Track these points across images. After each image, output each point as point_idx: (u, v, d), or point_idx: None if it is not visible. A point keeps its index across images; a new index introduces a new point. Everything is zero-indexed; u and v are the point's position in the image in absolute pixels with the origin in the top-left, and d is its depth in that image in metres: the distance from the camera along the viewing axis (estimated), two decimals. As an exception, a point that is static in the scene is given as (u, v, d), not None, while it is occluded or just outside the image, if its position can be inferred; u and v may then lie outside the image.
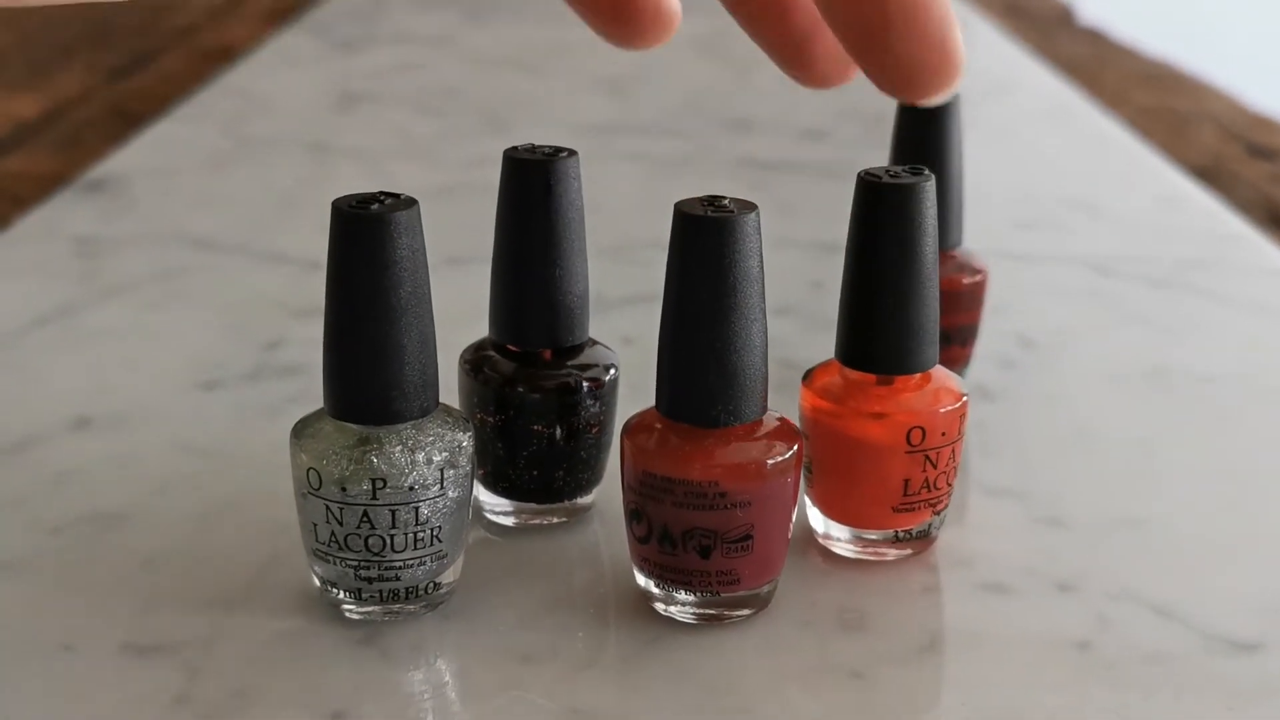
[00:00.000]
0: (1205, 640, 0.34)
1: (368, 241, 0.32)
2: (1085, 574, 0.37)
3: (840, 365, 0.37)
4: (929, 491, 0.36)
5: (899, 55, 0.29)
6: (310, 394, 0.41)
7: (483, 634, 0.34)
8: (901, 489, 0.36)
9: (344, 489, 0.33)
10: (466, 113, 0.82)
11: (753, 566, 0.34)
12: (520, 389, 0.37)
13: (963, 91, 0.46)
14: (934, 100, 0.31)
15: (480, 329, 0.39)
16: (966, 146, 0.45)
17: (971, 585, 0.37)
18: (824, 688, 0.33)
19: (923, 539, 0.37)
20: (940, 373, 0.37)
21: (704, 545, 0.33)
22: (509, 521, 0.39)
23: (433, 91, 0.86)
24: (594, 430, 0.38)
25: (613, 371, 0.38)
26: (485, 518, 0.39)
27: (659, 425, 0.34)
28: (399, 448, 0.33)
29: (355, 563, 0.33)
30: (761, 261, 0.33)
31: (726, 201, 0.33)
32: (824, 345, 0.38)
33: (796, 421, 0.36)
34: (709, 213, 0.32)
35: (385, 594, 0.34)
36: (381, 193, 0.33)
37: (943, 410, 0.36)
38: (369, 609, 0.34)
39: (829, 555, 0.38)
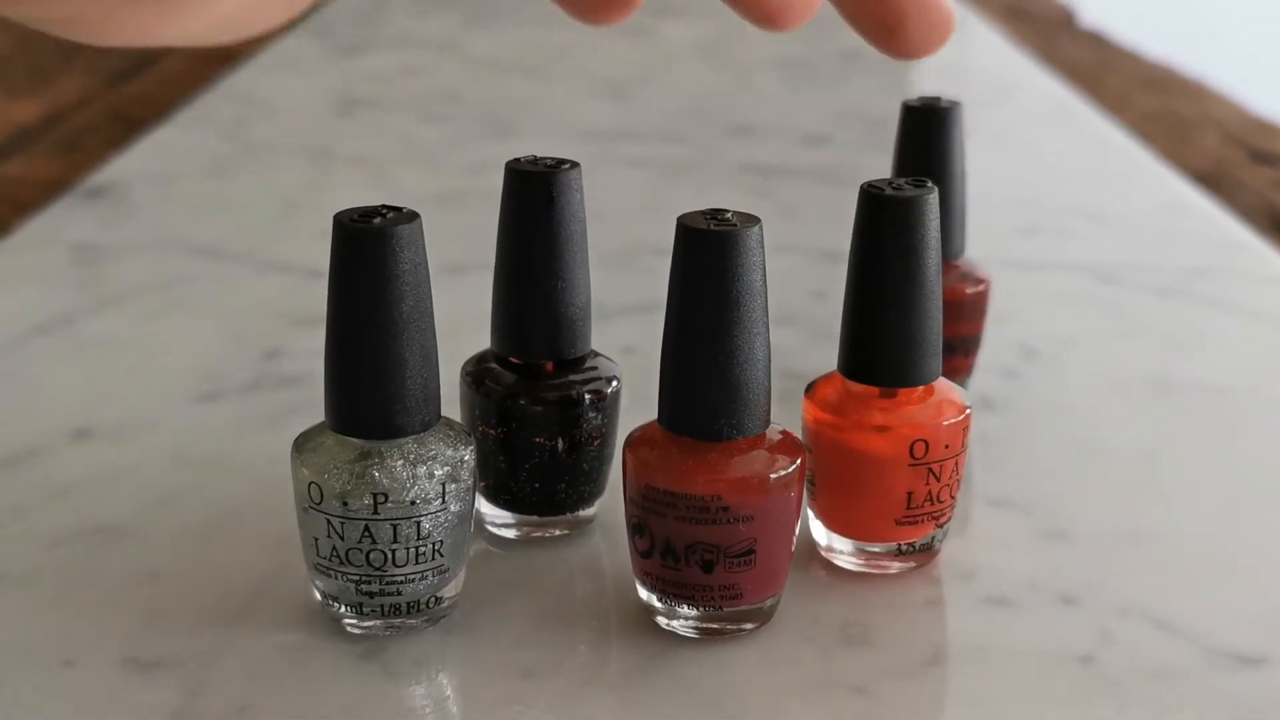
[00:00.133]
0: (1209, 655, 0.34)
1: (369, 255, 0.32)
2: (1089, 587, 0.37)
3: (843, 377, 0.37)
4: (932, 504, 0.36)
5: (912, 49, 0.33)
6: (311, 404, 0.41)
7: (485, 648, 0.34)
8: (904, 502, 0.36)
9: (345, 503, 0.32)
10: (468, 117, 0.82)
11: (755, 581, 0.34)
12: (522, 401, 0.37)
13: (964, 96, 0.46)
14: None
15: (482, 338, 0.38)
16: (968, 152, 0.45)
17: (974, 599, 0.37)
18: (827, 703, 0.33)
19: (926, 552, 0.37)
20: (943, 385, 0.37)
21: (707, 560, 0.33)
22: (511, 534, 0.38)
23: (435, 96, 0.86)
24: (596, 442, 0.37)
25: (615, 383, 0.38)
26: (487, 530, 0.39)
27: (661, 439, 0.34)
28: (400, 462, 0.33)
29: (356, 577, 0.33)
30: (764, 275, 0.33)
31: (729, 215, 0.33)
32: (827, 356, 0.38)
33: (799, 433, 0.36)
34: (712, 226, 0.32)
35: (387, 608, 0.34)
36: (383, 206, 0.33)
37: (946, 423, 0.36)
38: (370, 624, 0.34)
39: (832, 568, 0.37)
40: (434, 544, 0.33)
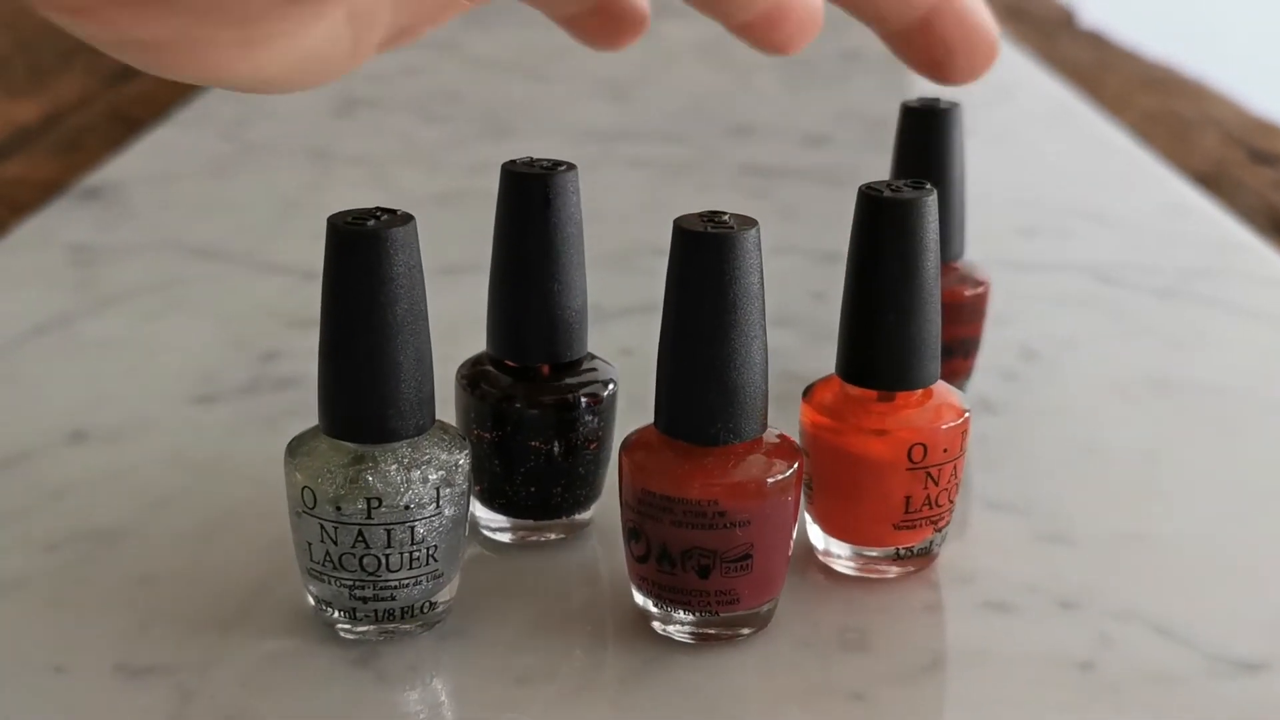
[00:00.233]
0: (1209, 660, 0.34)
1: (363, 258, 0.31)
2: (1088, 592, 0.37)
3: (841, 381, 0.36)
4: (930, 508, 0.36)
5: (964, 72, 0.35)
6: (308, 406, 0.41)
7: (479, 654, 0.34)
8: (903, 506, 0.36)
9: (339, 508, 0.32)
10: (468, 118, 0.82)
11: (752, 586, 0.33)
12: (518, 405, 0.36)
13: (964, 97, 0.45)
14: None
15: (481, 340, 0.38)
16: (967, 152, 0.44)
17: (973, 603, 0.36)
18: (824, 709, 0.32)
19: (924, 556, 0.37)
20: (942, 388, 0.36)
21: (703, 565, 0.33)
22: (506, 538, 0.38)
23: (435, 96, 0.86)
24: (592, 446, 0.37)
25: (611, 387, 0.38)
26: (482, 534, 0.38)
27: (657, 443, 0.33)
28: (394, 466, 0.32)
29: (350, 582, 0.33)
30: (762, 278, 0.32)
31: (726, 217, 0.33)
32: (825, 358, 0.38)
33: (796, 437, 0.36)
34: (709, 229, 0.32)
35: (380, 614, 0.33)
36: (378, 208, 0.32)
37: (944, 427, 0.36)
38: (364, 629, 0.34)
39: (830, 572, 0.37)
40: (428, 549, 0.33)
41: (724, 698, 0.33)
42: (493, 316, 0.37)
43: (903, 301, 0.35)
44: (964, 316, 0.45)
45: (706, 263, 0.32)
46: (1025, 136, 0.81)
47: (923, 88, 0.39)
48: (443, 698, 0.33)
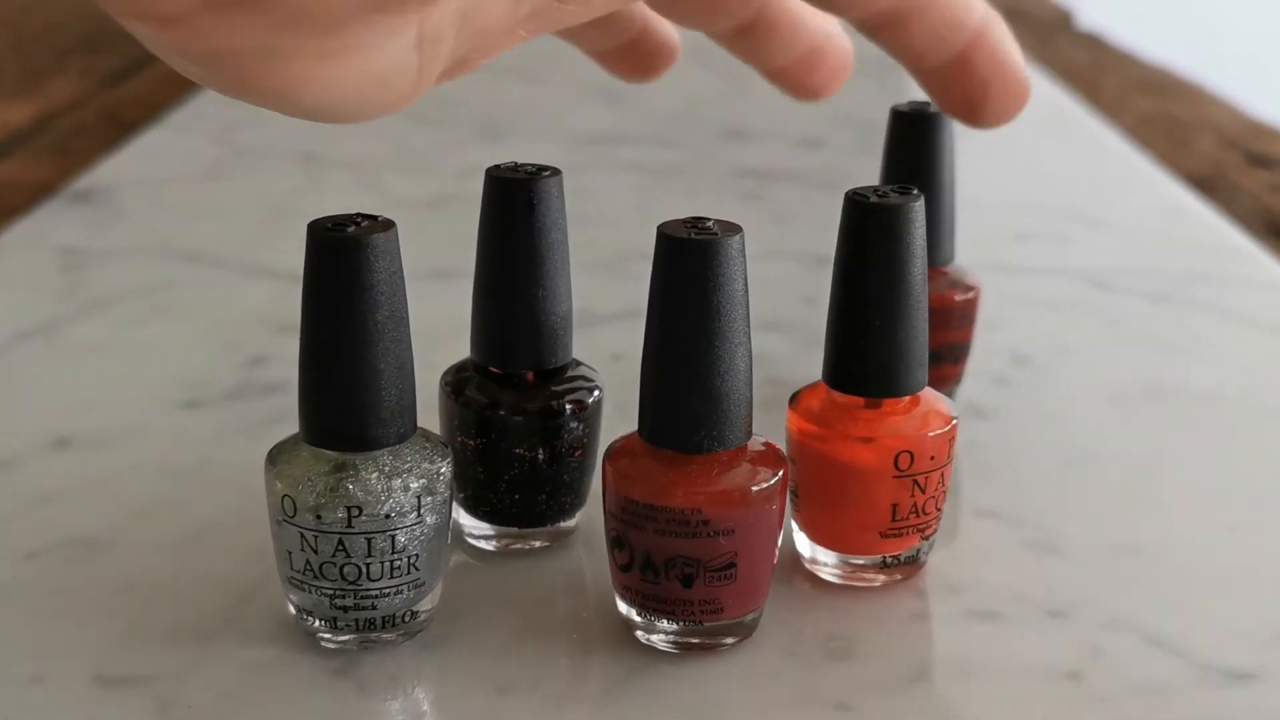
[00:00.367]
0: (1199, 671, 0.34)
1: (344, 265, 0.31)
2: (1078, 601, 0.36)
3: (827, 387, 0.36)
4: (917, 516, 0.36)
5: (997, 113, 0.36)
6: (293, 413, 0.40)
7: (461, 663, 0.34)
8: (889, 514, 0.35)
9: (319, 516, 0.32)
10: (461, 122, 0.81)
11: (736, 595, 0.33)
12: (502, 412, 0.36)
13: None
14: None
15: (467, 346, 0.38)
16: (962, 155, 0.44)
17: (961, 612, 0.36)
18: (808, 719, 0.32)
19: (911, 564, 0.37)
20: (929, 395, 0.36)
21: (686, 574, 0.33)
22: (490, 546, 0.38)
23: (427, 100, 0.85)
24: (577, 453, 0.37)
25: (596, 393, 0.37)
26: (466, 542, 0.38)
27: (641, 451, 0.33)
28: (375, 474, 0.32)
29: (331, 591, 0.33)
30: (746, 284, 0.32)
31: (710, 223, 0.32)
32: (816, 363, 0.37)
33: (784, 444, 0.36)
34: (692, 235, 0.32)
35: (361, 623, 0.33)
36: (359, 214, 0.32)
37: (931, 434, 0.35)
38: (345, 638, 0.33)
39: (816, 581, 0.37)
40: (409, 557, 0.33)
41: (707, 708, 0.32)
42: (477, 323, 0.37)
43: (889, 308, 0.35)
44: (954, 322, 0.44)
45: (690, 269, 0.32)
46: (1020, 139, 0.80)
47: (917, 93, 0.39)
48: (424, 707, 0.33)
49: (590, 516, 0.38)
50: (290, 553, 0.33)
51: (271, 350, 0.50)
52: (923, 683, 0.34)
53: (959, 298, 0.44)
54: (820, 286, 0.36)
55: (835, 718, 0.32)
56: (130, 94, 0.87)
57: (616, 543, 0.33)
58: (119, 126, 0.80)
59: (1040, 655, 0.34)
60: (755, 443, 0.34)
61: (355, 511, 0.32)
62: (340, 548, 0.32)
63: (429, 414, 0.37)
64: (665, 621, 0.33)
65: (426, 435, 0.34)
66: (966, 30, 0.35)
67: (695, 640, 0.34)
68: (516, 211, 0.36)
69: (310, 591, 0.33)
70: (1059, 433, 0.45)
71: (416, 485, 0.32)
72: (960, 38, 0.35)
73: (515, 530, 0.38)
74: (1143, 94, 0.91)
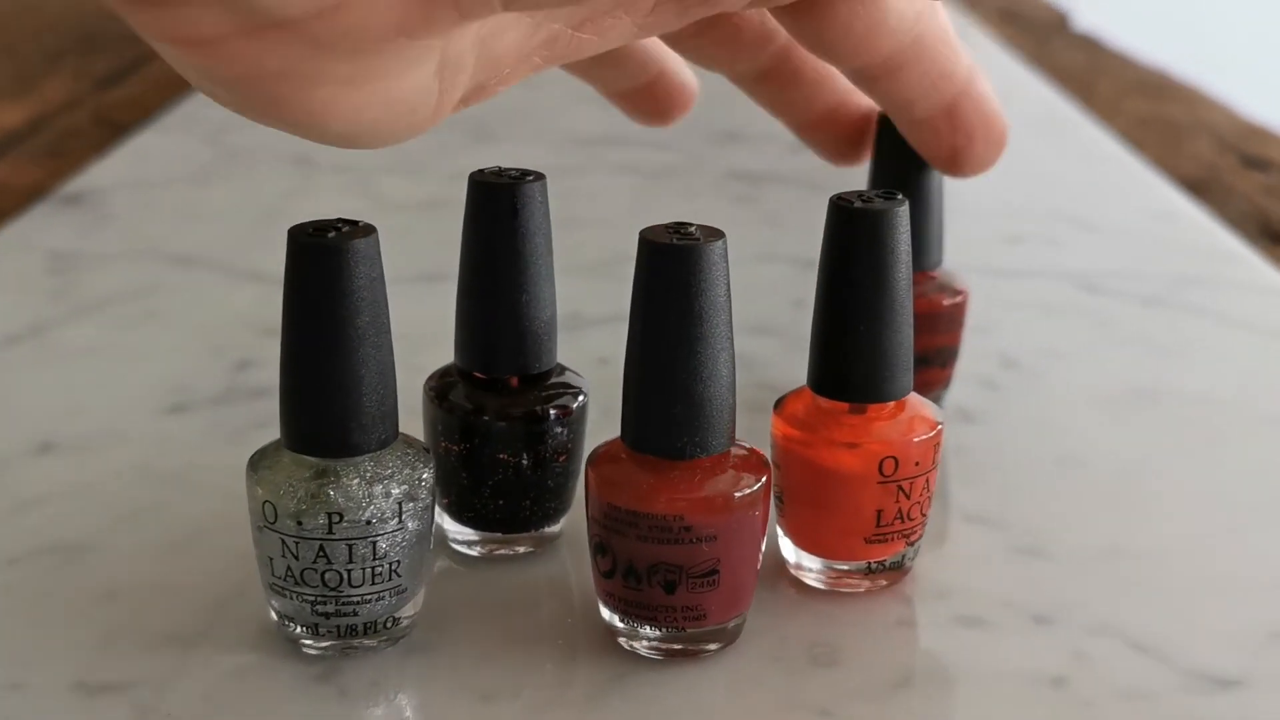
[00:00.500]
0: (1184, 676, 0.34)
1: (324, 270, 0.31)
2: (1064, 606, 0.36)
3: (812, 393, 0.36)
4: (902, 522, 0.36)
5: (980, 161, 0.39)
6: (278, 418, 0.41)
7: (444, 670, 0.33)
8: (874, 520, 0.35)
9: (300, 523, 0.32)
10: (454, 124, 0.81)
11: (719, 601, 0.33)
12: (486, 417, 0.36)
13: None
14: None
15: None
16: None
17: (946, 618, 0.36)
18: (791, 727, 0.32)
19: (896, 570, 0.37)
20: (914, 400, 0.36)
21: (669, 580, 0.33)
22: (475, 551, 0.38)
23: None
24: (561, 459, 0.37)
25: (581, 399, 0.37)
26: (450, 547, 0.38)
27: (624, 457, 0.33)
28: (356, 481, 0.32)
29: (312, 597, 0.33)
30: (729, 290, 0.32)
31: (693, 228, 0.32)
32: (804, 367, 0.37)
33: (769, 449, 0.36)
34: (674, 241, 0.32)
35: (343, 629, 0.33)
36: (340, 219, 0.32)
37: (916, 440, 0.35)
38: (326, 644, 0.33)
39: (800, 586, 0.37)
40: (390, 564, 0.33)
41: (691, 714, 0.32)
42: (460, 328, 0.37)
43: (874, 313, 0.35)
44: (941, 326, 0.44)
45: (672, 275, 0.32)
46: (1014, 142, 0.80)
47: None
48: (407, 714, 0.33)
49: (575, 522, 0.38)
50: (271, 559, 0.33)
51: (258, 354, 0.50)
52: (907, 689, 0.33)
53: (947, 302, 0.44)
54: (810, 290, 0.36)
55: (818, 725, 0.32)
56: (124, 97, 0.87)
57: (599, 549, 0.33)
58: (112, 129, 0.80)
59: (1025, 661, 0.34)
60: (738, 449, 0.33)
61: (336, 518, 0.32)
62: (321, 554, 0.32)
63: (416, 418, 0.37)
64: (648, 628, 0.33)
65: (408, 441, 0.33)
66: (957, 80, 0.36)
67: (678, 647, 0.33)
68: (500, 216, 0.35)
69: (291, 598, 0.33)
70: (1047, 437, 0.45)
71: (398, 491, 0.32)
72: (951, 87, 0.37)
73: (499, 536, 0.37)
74: (1138, 96, 0.91)
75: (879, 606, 0.36)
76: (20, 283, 0.56)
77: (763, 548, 0.34)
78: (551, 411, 0.36)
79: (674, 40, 0.37)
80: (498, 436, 0.36)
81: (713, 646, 0.34)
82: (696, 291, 0.32)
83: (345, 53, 0.26)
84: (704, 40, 0.37)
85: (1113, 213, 0.68)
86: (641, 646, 0.34)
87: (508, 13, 0.26)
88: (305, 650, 0.34)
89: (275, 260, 0.57)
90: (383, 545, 0.32)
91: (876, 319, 0.35)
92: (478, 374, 0.37)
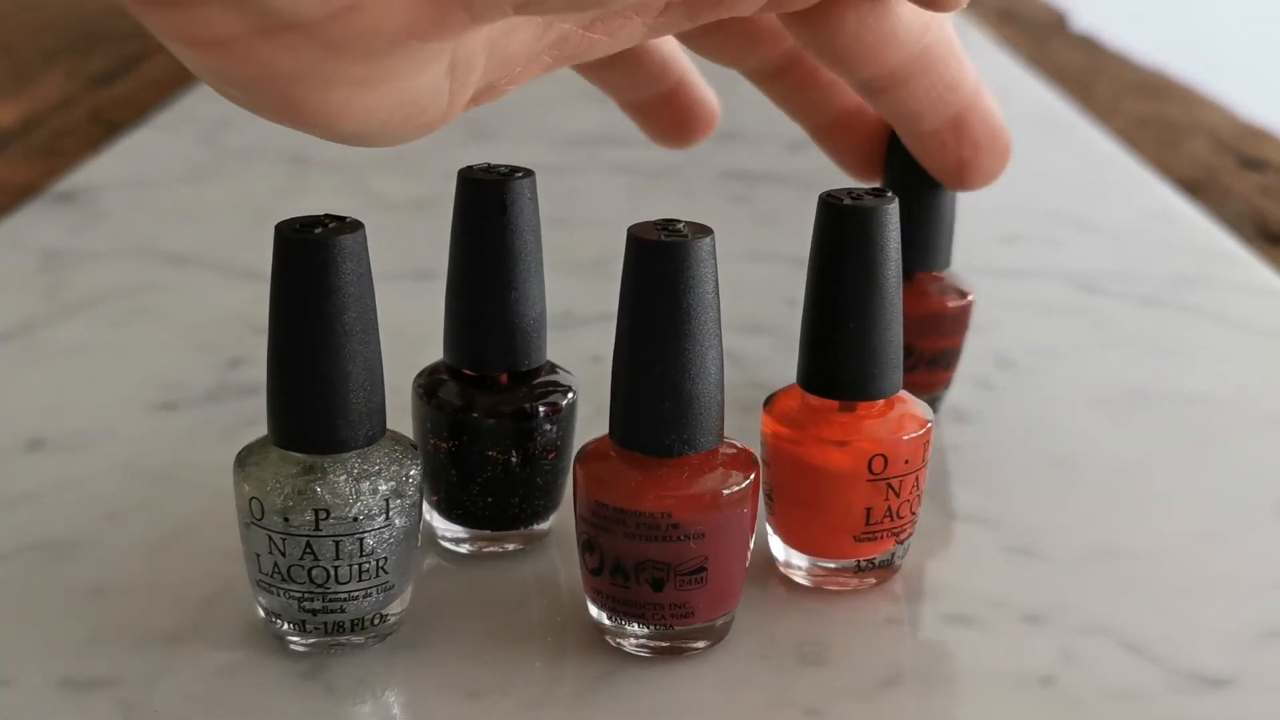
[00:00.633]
0: (1174, 676, 0.33)
1: (310, 266, 0.31)
2: (1054, 606, 0.36)
3: (802, 390, 0.36)
4: (892, 520, 0.35)
5: (986, 174, 0.39)
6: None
7: (431, 667, 0.33)
8: (863, 518, 0.35)
9: (286, 519, 0.32)
10: (452, 123, 0.81)
11: (707, 599, 0.33)
12: (475, 415, 0.36)
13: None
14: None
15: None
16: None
17: (936, 617, 0.36)
18: (779, 725, 0.32)
19: (886, 568, 0.36)
20: (904, 398, 0.36)
21: (657, 578, 0.32)
22: (464, 549, 0.38)
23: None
24: (551, 456, 0.37)
25: (570, 396, 0.37)
26: (439, 544, 0.38)
27: (612, 454, 0.33)
28: (344, 477, 0.32)
29: (299, 594, 0.32)
30: (717, 287, 0.32)
31: (681, 225, 0.32)
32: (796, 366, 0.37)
33: (759, 447, 0.36)
34: (662, 237, 0.31)
35: (330, 626, 0.33)
36: (327, 215, 0.32)
37: (906, 437, 0.35)
38: (313, 641, 0.33)
39: (790, 584, 0.37)
40: (377, 560, 0.32)
41: (680, 712, 0.32)
42: (450, 325, 0.37)
43: (863, 311, 0.34)
44: (948, 328, 0.44)
45: (660, 272, 0.31)
46: (1014, 143, 0.80)
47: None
48: (394, 711, 0.33)
49: (564, 519, 0.38)
50: (258, 555, 0.32)
51: (250, 352, 0.50)
52: (896, 688, 0.33)
53: (951, 304, 0.44)
54: (804, 289, 0.36)
55: (806, 723, 0.32)
56: (118, 95, 0.87)
57: (587, 546, 0.33)
58: (105, 128, 0.80)
59: (1014, 661, 0.34)
60: (726, 446, 0.33)
61: (323, 514, 0.32)
62: (308, 551, 0.32)
63: (406, 416, 0.37)
64: (636, 625, 0.33)
65: (396, 438, 0.33)
66: (963, 93, 0.36)
67: (666, 644, 0.33)
68: (488, 213, 0.35)
69: (278, 594, 0.33)
70: (1041, 437, 0.45)
71: (385, 488, 0.32)
72: (957, 100, 0.37)
73: (488, 533, 0.37)
74: (1136, 96, 0.91)
75: (868, 605, 0.36)
76: (11, 281, 0.56)
77: (751, 545, 0.34)
78: (541, 409, 0.36)
79: (687, 36, 0.37)
80: (487, 434, 0.36)
81: (701, 644, 0.34)
82: (684, 288, 0.31)
83: (358, 54, 0.26)
84: (716, 36, 0.37)
85: (1110, 213, 0.67)
86: (629, 644, 0.34)
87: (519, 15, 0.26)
88: (292, 647, 0.33)
89: (267, 258, 0.57)
90: (370, 542, 0.32)
91: (866, 317, 0.35)
92: (467, 371, 0.36)
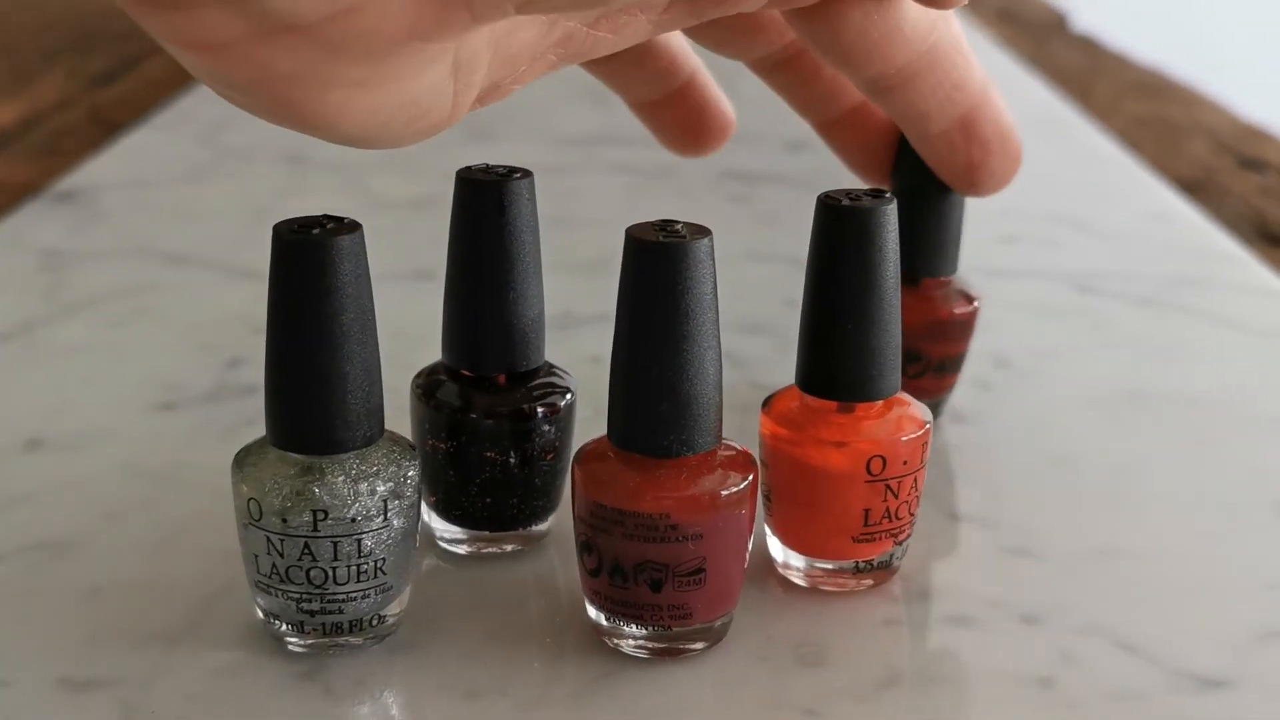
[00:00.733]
0: (1172, 677, 0.33)
1: (308, 267, 0.31)
2: (1052, 607, 0.36)
3: (800, 392, 0.36)
4: (890, 521, 0.36)
5: (997, 177, 0.39)
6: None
7: (430, 668, 0.33)
8: (862, 519, 0.35)
9: (284, 520, 0.32)
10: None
11: (705, 600, 0.33)
12: (473, 415, 0.36)
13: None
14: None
15: (444, 348, 0.38)
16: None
17: (934, 618, 0.36)
18: (777, 726, 0.32)
19: (884, 569, 0.36)
20: (903, 400, 0.36)
21: (655, 579, 0.32)
22: (462, 550, 0.38)
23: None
24: (549, 457, 0.37)
25: (569, 396, 0.37)
26: (438, 545, 0.38)
27: (610, 455, 0.33)
28: (341, 478, 0.32)
29: (297, 595, 0.32)
30: (715, 287, 0.32)
31: (679, 226, 0.32)
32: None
33: (758, 448, 0.36)
34: (660, 238, 0.31)
35: (328, 627, 0.33)
36: (325, 216, 0.32)
37: (904, 439, 0.35)
38: (312, 642, 0.33)
39: (788, 585, 0.37)
40: (375, 561, 0.32)
41: (678, 713, 0.32)
42: (448, 325, 0.37)
43: (861, 312, 0.34)
44: (955, 333, 0.44)
45: (658, 272, 0.31)
46: (1023, 146, 0.80)
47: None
48: (392, 712, 0.33)
49: (563, 520, 0.38)
50: (256, 556, 0.32)
51: (249, 352, 0.50)
52: (894, 689, 0.33)
53: (959, 310, 0.43)
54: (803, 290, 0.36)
55: (804, 724, 0.32)
56: (118, 95, 0.87)
57: (585, 547, 0.33)
58: (105, 128, 0.80)
59: (1012, 662, 0.34)
60: (725, 447, 0.33)
61: (321, 515, 0.32)
62: (306, 551, 0.32)
63: (405, 416, 0.37)
64: (634, 626, 0.33)
65: (394, 439, 0.33)
66: (971, 92, 0.36)
67: (664, 645, 0.33)
68: (487, 213, 0.35)
69: (277, 595, 0.33)
70: (1039, 437, 0.45)
71: (383, 489, 0.32)
72: (966, 99, 0.36)
73: (487, 534, 0.37)
74: (1136, 97, 0.91)
75: (866, 606, 0.36)
76: (10, 281, 0.56)
77: (750, 546, 0.34)
78: (539, 410, 0.36)
79: (691, 28, 0.37)
80: (485, 434, 0.36)
81: (699, 645, 0.34)
82: (683, 289, 0.31)
83: (358, 56, 0.26)
84: (720, 25, 0.37)
85: (1109, 213, 0.67)
86: (627, 645, 0.34)
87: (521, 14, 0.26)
88: (291, 648, 0.33)
89: (267, 258, 0.57)
90: (368, 543, 0.32)
91: (864, 318, 0.35)
92: (465, 372, 0.36)
